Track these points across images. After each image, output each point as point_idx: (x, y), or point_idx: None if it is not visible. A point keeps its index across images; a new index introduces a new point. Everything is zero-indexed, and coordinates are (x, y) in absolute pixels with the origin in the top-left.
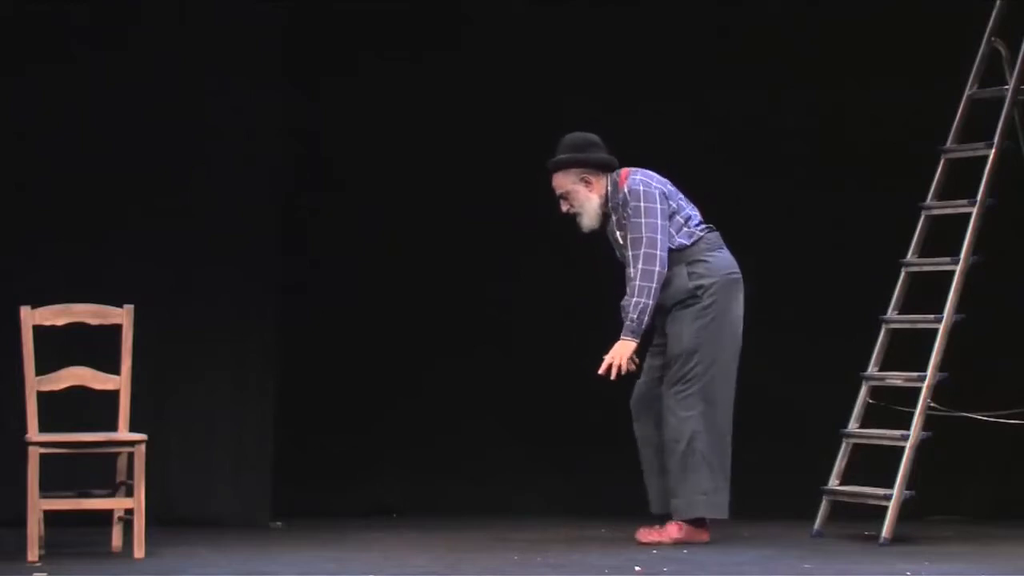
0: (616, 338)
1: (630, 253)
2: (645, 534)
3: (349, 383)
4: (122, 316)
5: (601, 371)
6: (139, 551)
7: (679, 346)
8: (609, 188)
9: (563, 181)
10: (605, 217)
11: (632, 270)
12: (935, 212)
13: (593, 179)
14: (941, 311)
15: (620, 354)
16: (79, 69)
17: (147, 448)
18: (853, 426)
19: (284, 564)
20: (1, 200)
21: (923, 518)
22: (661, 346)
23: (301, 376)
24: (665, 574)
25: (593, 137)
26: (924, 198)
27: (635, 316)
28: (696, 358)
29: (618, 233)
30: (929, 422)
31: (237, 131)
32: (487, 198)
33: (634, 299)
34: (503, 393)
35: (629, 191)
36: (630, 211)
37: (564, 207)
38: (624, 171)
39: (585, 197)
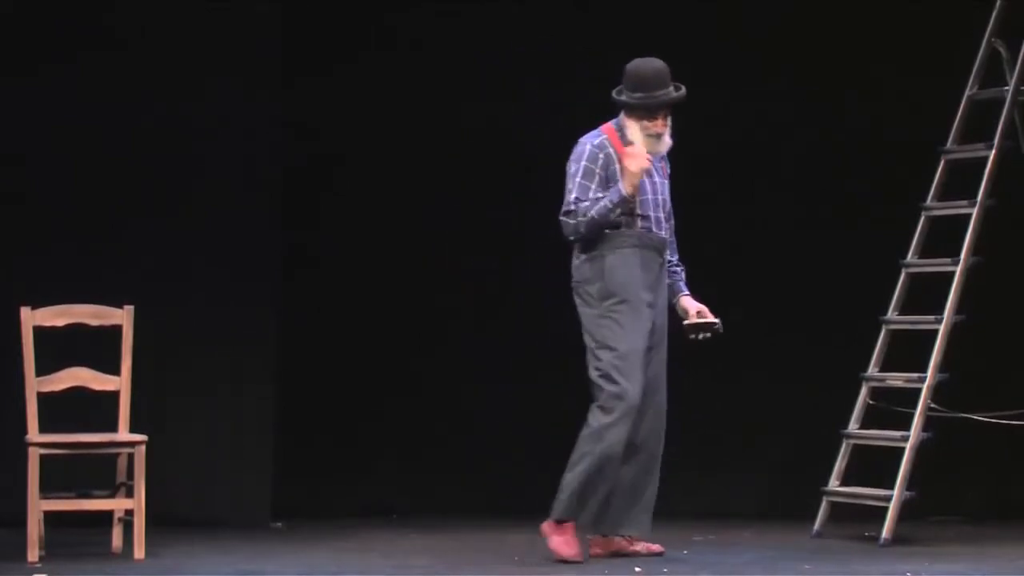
0: None
1: (671, 219)
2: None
3: (349, 383)
4: (122, 316)
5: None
6: (139, 551)
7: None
8: None
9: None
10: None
11: (672, 235)
12: (935, 212)
13: None
14: (941, 311)
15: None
16: (79, 69)
17: (147, 448)
18: (853, 427)
19: (284, 564)
20: (1, 200)
21: (923, 518)
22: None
23: (301, 376)
24: (665, 574)
25: None
26: (924, 198)
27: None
28: None
29: (656, 181)
30: (929, 422)
31: (236, 131)
32: (490, 198)
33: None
34: (504, 393)
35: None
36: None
37: (662, 127)
38: None
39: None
